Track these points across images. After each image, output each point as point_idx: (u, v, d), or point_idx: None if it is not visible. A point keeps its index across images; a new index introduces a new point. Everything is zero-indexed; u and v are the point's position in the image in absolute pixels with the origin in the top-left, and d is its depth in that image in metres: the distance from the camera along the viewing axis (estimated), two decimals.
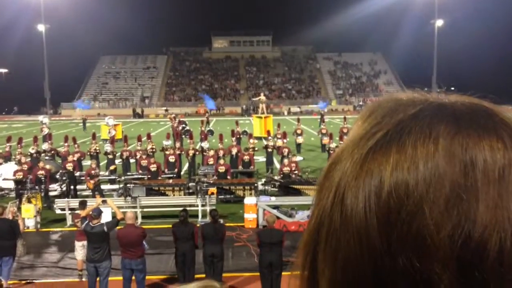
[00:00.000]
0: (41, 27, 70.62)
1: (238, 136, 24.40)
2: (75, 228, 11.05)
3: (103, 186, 16.89)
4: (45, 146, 21.52)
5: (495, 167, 0.44)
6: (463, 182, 0.43)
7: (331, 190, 0.49)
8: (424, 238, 0.43)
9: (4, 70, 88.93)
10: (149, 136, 22.07)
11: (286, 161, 17.29)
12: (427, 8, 73.76)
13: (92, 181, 15.88)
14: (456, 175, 0.44)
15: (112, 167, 18.48)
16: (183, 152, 19.92)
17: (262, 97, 40.95)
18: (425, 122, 0.47)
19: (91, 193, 16.08)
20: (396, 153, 0.46)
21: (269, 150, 20.84)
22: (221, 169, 16.90)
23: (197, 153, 20.08)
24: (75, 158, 18.43)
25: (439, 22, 72.30)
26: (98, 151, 20.26)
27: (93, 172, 16.10)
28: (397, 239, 0.44)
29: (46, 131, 27.98)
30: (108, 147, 20.19)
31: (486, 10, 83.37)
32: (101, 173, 17.53)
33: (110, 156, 19.79)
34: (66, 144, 21.10)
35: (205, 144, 21.04)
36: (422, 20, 76.05)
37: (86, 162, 19.68)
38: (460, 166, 0.44)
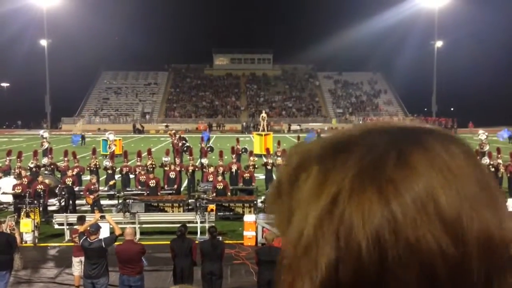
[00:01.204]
0: (43, 42, 71.19)
1: (238, 153, 24.39)
2: (73, 244, 10.98)
3: (102, 202, 16.82)
4: (45, 160, 21.50)
5: (452, 165, 0.50)
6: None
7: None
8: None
9: (5, 84, 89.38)
10: (149, 152, 22.05)
11: None
12: (427, 29, 74.50)
13: (91, 196, 15.82)
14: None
15: (111, 183, 18.43)
16: (183, 169, 19.89)
17: (264, 115, 41.07)
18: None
19: (90, 208, 16.01)
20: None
21: (269, 167, 20.82)
22: (219, 185, 16.87)
23: (196, 169, 20.05)
24: (74, 173, 18.39)
25: (439, 43, 72.90)
26: (98, 166, 20.23)
27: (92, 187, 16.04)
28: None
29: (46, 145, 27.98)
30: (107, 162, 20.17)
31: (484, 31, 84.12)
32: (101, 188, 17.47)
33: (110, 172, 19.75)
34: (65, 158, 21.08)
35: (205, 161, 21.02)
36: (422, 41, 76.77)
37: (86, 177, 19.64)
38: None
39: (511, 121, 52.73)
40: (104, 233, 10.40)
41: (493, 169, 19.74)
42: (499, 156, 20.72)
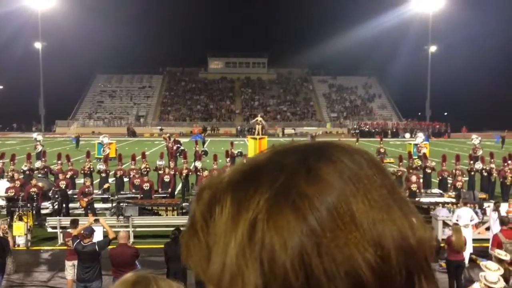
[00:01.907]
0: (38, 45, 71.00)
1: (233, 157, 24.40)
2: (66, 247, 10.93)
3: (96, 205, 16.77)
4: (38, 163, 21.40)
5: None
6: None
7: None
8: None
9: None
10: (143, 155, 22.01)
11: None
12: (421, 34, 74.89)
13: (85, 199, 15.77)
14: None
15: (105, 186, 18.38)
16: (177, 172, 19.85)
17: (259, 118, 41.07)
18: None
19: (83, 212, 15.96)
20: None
21: None
22: None
23: (190, 173, 20.02)
24: (68, 176, 18.33)
25: (433, 48, 73.30)
26: (91, 169, 20.16)
27: (86, 190, 15.99)
28: None
29: (39, 148, 27.86)
30: (101, 166, 20.11)
31: (479, 36, 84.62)
32: (95, 191, 17.41)
33: (103, 175, 19.70)
34: (59, 161, 21.00)
35: (199, 164, 21.00)
36: (417, 46, 77.17)
37: (79, 180, 19.57)
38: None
39: (504, 126, 53.03)
40: (98, 236, 10.36)
41: (486, 174, 19.83)
42: (492, 160, 20.81)
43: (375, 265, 0.47)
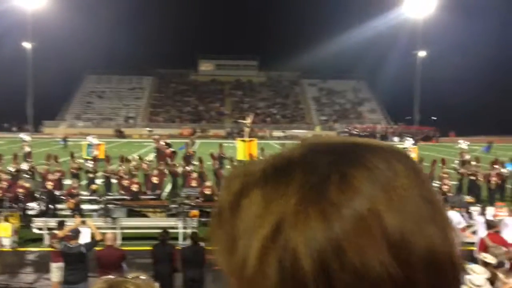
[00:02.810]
0: (27, 45, 70.48)
1: (220, 159, 24.31)
2: (52, 249, 10.84)
3: (83, 206, 16.65)
4: (24, 166, 21.09)
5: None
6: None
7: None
8: None
9: None
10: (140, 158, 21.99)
11: None
12: (411, 39, 75.43)
13: (72, 201, 15.65)
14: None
15: (94, 187, 18.26)
16: (165, 174, 19.80)
17: (249, 120, 41.04)
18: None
19: (70, 213, 15.82)
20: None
21: None
22: (207, 191, 16.78)
23: (178, 176, 19.99)
24: (55, 177, 18.18)
25: (422, 53, 73.88)
26: (79, 169, 20.03)
27: (74, 191, 15.87)
28: None
29: (27, 149, 27.60)
30: (89, 164, 19.99)
31: (468, 41, 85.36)
32: (82, 193, 17.29)
33: (91, 176, 19.57)
34: (49, 162, 20.82)
35: (188, 167, 20.96)
36: (406, 50, 77.64)
37: (67, 181, 19.44)
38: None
39: (492, 132, 53.52)
40: (85, 238, 10.28)
41: (473, 178, 20.00)
42: (478, 165, 20.99)
43: (399, 281, 0.46)
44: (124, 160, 20.46)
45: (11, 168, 20.25)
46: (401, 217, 0.47)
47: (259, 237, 0.48)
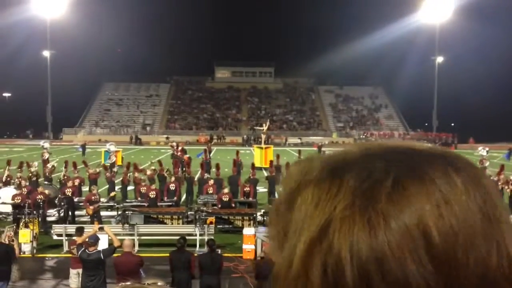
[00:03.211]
0: (46, 53, 71.60)
1: (239, 165, 24.34)
2: (70, 255, 10.94)
3: (101, 213, 16.78)
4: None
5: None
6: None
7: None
8: None
9: (7, 94, 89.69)
10: (160, 163, 22.18)
11: None
12: (428, 45, 74.89)
13: (91, 207, 15.80)
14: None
15: (112, 194, 18.42)
16: (183, 180, 19.91)
17: (265, 127, 41.13)
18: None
19: (89, 219, 15.98)
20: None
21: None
22: (225, 198, 16.82)
23: (195, 183, 20.08)
24: (76, 183, 18.37)
25: (440, 59, 73.27)
26: (98, 176, 20.24)
27: (93, 198, 16.03)
28: None
29: (46, 156, 27.99)
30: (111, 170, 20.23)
31: (486, 46, 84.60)
32: (102, 199, 17.44)
33: (110, 183, 19.73)
34: (65, 169, 21.08)
35: (205, 173, 21.07)
36: (423, 56, 77.14)
37: (85, 188, 19.65)
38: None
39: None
40: (103, 244, 10.36)
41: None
42: (502, 172, 20.68)
43: None
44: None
45: (31, 174, 20.48)
46: (450, 234, 0.46)
47: (306, 238, 0.48)
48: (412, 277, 0.45)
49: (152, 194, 17.18)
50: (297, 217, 0.51)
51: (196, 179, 20.82)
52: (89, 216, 16.10)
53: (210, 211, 15.86)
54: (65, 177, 19.52)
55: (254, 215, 15.90)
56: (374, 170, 0.49)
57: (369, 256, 0.45)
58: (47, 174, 21.63)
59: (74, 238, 11.14)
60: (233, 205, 17.06)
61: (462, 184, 0.48)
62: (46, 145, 31.15)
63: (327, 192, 0.50)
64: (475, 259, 0.46)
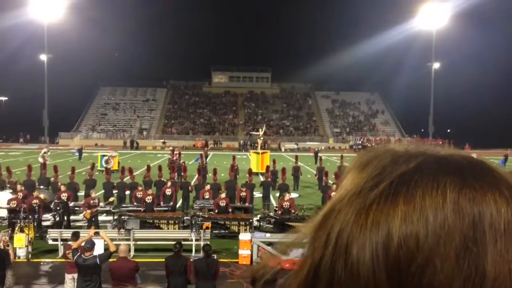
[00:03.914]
0: (43, 57, 71.53)
1: (235, 170, 24.33)
2: (66, 260, 10.90)
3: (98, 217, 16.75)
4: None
5: (501, 221, 0.45)
6: (472, 235, 0.44)
7: (330, 241, 0.48)
8: None
9: (3, 98, 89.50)
10: (148, 168, 22.11)
11: (287, 196, 17.23)
12: (425, 51, 75.20)
13: (89, 211, 15.76)
14: (465, 228, 0.44)
15: (111, 199, 18.36)
16: (179, 185, 19.88)
17: (261, 132, 41.19)
18: (430, 175, 0.48)
19: (85, 224, 15.92)
20: (404, 205, 0.46)
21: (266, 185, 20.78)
22: (222, 202, 16.80)
23: (191, 189, 20.06)
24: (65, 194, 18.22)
25: (436, 65, 73.57)
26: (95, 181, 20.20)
27: (92, 202, 16.00)
28: None
29: (43, 160, 27.89)
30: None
31: (482, 52, 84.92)
32: (101, 204, 17.40)
33: (107, 187, 19.67)
34: (55, 174, 21.03)
35: (202, 178, 21.05)
36: (420, 62, 77.47)
37: (81, 193, 19.61)
38: (468, 219, 0.45)
39: (507, 144, 52.93)
40: (99, 249, 10.33)
41: None
42: None
43: None
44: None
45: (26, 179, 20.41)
46: (411, 249, 0.45)
47: (354, 210, 0.49)
48: (366, 280, 0.45)
49: (148, 199, 17.16)
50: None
51: (192, 184, 20.80)
52: (86, 221, 16.05)
53: (206, 216, 15.84)
54: (58, 183, 19.27)
55: (250, 221, 15.89)
56: (442, 187, 0.47)
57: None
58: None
59: (69, 243, 11.10)
60: (230, 210, 17.04)
61: (452, 204, 0.46)
62: (45, 150, 31.07)
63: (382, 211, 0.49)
64: (429, 278, 0.45)
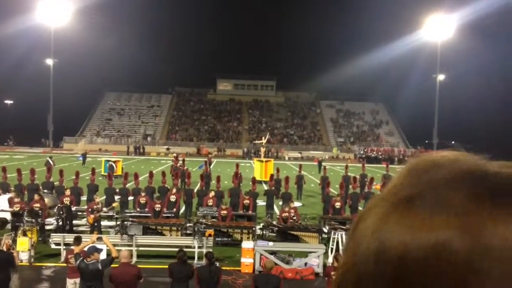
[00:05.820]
0: (49, 62, 71.94)
1: (239, 178, 24.31)
2: (67, 264, 10.88)
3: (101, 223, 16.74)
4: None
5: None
6: (471, 263, 0.42)
7: (359, 241, 0.49)
8: None
9: (9, 101, 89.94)
10: (151, 175, 22.08)
11: (287, 206, 17.18)
12: (430, 62, 75.23)
13: (92, 216, 15.77)
14: (464, 254, 0.42)
15: (114, 204, 18.36)
16: (183, 193, 19.86)
17: (264, 140, 41.21)
18: (443, 192, 0.47)
19: (88, 229, 15.91)
20: (413, 217, 0.46)
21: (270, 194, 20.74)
22: (223, 213, 16.76)
23: (194, 196, 20.06)
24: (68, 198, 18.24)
25: (441, 76, 73.58)
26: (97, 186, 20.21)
27: (95, 206, 16.01)
28: None
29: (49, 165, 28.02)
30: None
31: (487, 63, 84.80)
32: (104, 209, 17.39)
33: (110, 192, 19.68)
34: (61, 178, 21.09)
35: (205, 185, 21.06)
36: (425, 74, 77.45)
37: (83, 198, 19.63)
38: (469, 245, 0.43)
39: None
40: (101, 255, 10.30)
41: None
42: None
43: None
44: None
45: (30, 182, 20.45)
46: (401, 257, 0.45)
47: (376, 214, 0.50)
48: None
49: (157, 208, 17.19)
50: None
51: (195, 191, 20.79)
52: (89, 225, 16.04)
53: (210, 223, 15.81)
54: (64, 187, 19.37)
55: (253, 229, 15.86)
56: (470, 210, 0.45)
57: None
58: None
59: (71, 247, 11.09)
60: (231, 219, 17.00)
61: (444, 222, 0.45)
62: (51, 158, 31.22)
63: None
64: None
